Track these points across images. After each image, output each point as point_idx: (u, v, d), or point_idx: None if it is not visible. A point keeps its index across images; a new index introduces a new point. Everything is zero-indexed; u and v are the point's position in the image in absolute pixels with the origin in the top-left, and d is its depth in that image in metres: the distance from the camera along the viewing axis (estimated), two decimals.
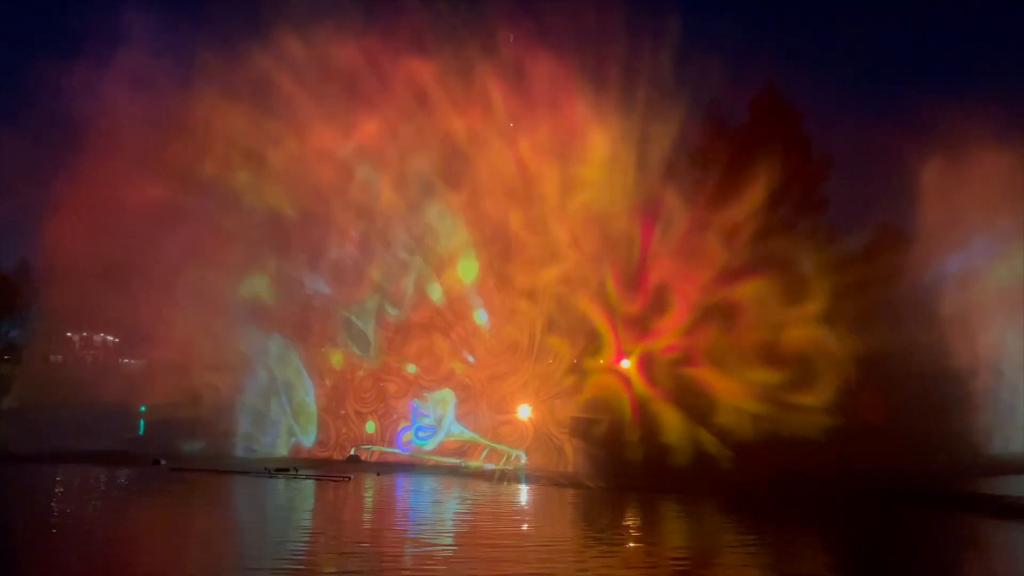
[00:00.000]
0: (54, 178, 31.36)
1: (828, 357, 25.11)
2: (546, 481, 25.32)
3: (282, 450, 30.83)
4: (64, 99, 30.40)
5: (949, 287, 28.75)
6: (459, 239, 29.90)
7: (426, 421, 29.95)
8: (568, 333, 28.86)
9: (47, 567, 13.90)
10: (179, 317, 29.82)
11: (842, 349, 24.93)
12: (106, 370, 41.20)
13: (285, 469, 26.00)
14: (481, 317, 29.85)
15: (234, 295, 29.83)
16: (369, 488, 23.94)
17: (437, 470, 27.99)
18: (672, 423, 25.30)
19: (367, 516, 20.71)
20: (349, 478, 24.98)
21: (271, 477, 25.07)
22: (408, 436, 30.16)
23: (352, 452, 30.35)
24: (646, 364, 27.36)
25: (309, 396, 31.17)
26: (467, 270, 29.89)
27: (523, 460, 28.61)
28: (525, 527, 19.32)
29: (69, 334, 42.83)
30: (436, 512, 21.38)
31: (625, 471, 24.08)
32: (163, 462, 27.06)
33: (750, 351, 25.82)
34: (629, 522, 19.96)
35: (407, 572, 13.87)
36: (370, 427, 30.56)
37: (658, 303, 27.66)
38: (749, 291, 26.45)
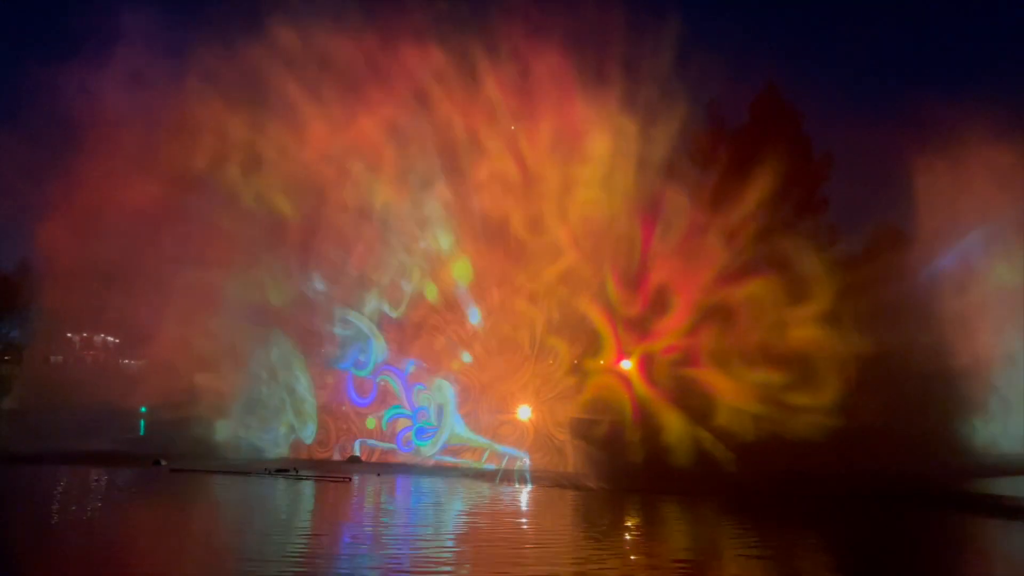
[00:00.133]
0: (54, 178, 31.42)
1: (829, 358, 25.08)
2: (547, 482, 25.32)
3: (282, 450, 30.84)
4: (64, 99, 30.44)
5: (949, 287, 28.71)
6: (459, 239, 29.90)
7: (427, 422, 29.93)
8: (568, 333, 28.86)
9: (47, 568, 13.90)
10: (179, 317, 29.84)
11: (843, 350, 24.91)
12: (106, 371, 41.23)
13: (285, 470, 26.00)
14: (481, 317, 29.83)
15: (234, 295, 29.81)
16: (370, 489, 23.93)
17: (438, 471, 27.99)
18: (673, 424, 25.28)
19: (367, 517, 20.70)
20: (349, 479, 24.98)
21: (271, 477, 25.07)
22: (408, 436, 30.16)
23: (353, 452, 30.34)
24: (647, 365, 27.34)
25: (309, 396, 31.17)
26: (467, 270, 29.88)
27: (527, 462, 28.57)
28: (525, 528, 19.30)
29: (69, 335, 42.82)
30: (436, 513, 21.37)
31: (626, 472, 24.06)
32: (163, 463, 27.07)
33: (751, 352, 25.80)
34: (630, 524, 19.97)
35: (407, 574, 13.86)
36: (370, 424, 30.55)
37: (658, 304, 27.65)
38: (750, 292, 26.44)
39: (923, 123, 29.15)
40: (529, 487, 24.93)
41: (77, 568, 13.81)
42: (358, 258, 30.32)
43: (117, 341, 44.37)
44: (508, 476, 26.78)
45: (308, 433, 31.14)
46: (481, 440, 29.41)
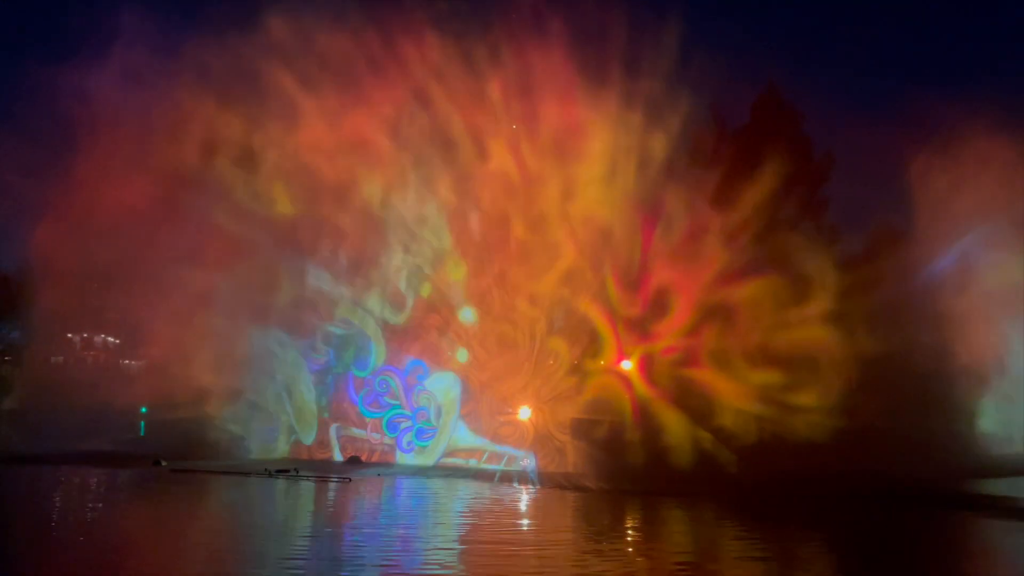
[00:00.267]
0: (54, 178, 31.38)
1: (829, 358, 25.06)
2: (547, 483, 25.31)
3: (282, 450, 30.84)
4: (64, 99, 30.41)
5: (950, 287, 28.68)
6: (459, 239, 29.90)
7: (426, 423, 29.92)
8: (569, 334, 28.85)
9: (48, 568, 13.90)
10: (179, 318, 29.83)
11: (843, 350, 24.90)
12: (107, 371, 41.22)
13: (286, 470, 26.00)
14: (481, 318, 29.83)
15: (234, 295, 29.81)
16: (370, 489, 23.93)
17: (438, 471, 27.98)
18: (673, 425, 25.28)
19: (366, 518, 20.69)
20: (350, 479, 24.98)
21: (271, 478, 25.07)
22: (409, 437, 30.16)
23: (353, 453, 30.34)
24: (647, 365, 27.33)
25: (309, 396, 31.17)
26: (467, 271, 29.87)
27: (530, 463, 28.53)
28: (525, 529, 19.29)
29: (70, 335, 42.81)
30: (436, 514, 21.37)
31: (626, 473, 24.05)
32: (164, 463, 27.08)
33: (751, 352, 25.79)
34: (630, 525, 19.95)
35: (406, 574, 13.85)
36: (371, 427, 30.54)
37: (659, 304, 27.64)
38: (750, 292, 26.41)
39: (923, 123, 29.15)
40: (529, 487, 24.90)
41: (78, 568, 13.80)
42: (358, 258, 30.32)
43: (117, 341, 44.35)
44: (508, 476, 26.76)
45: (308, 435, 31.13)
46: (481, 442, 29.40)
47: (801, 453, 22.65)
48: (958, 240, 29.60)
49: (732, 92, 30.17)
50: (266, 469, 26.16)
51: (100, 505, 21.20)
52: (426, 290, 30.14)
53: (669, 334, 27.32)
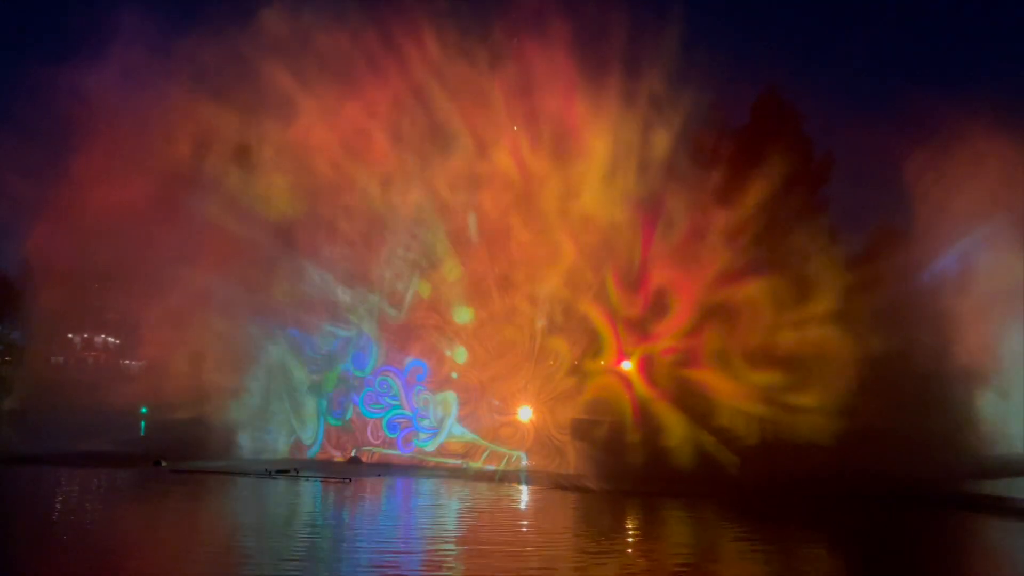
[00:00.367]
0: (55, 179, 31.39)
1: (830, 359, 25.05)
2: (547, 483, 25.30)
3: (282, 451, 30.83)
4: (64, 99, 30.43)
5: (950, 288, 28.68)
6: (459, 239, 29.90)
7: (426, 423, 29.93)
8: (569, 334, 28.84)
9: (49, 568, 13.91)
10: (179, 318, 29.83)
11: (844, 351, 24.89)
12: (107, 371, 41.24)
13: (286, 470, 26.00)
14: (481, 318, 29.82)
15: (235, 296, 29.82)
16: (370, 490, 23.92)
17: (438, 471, 27.98)
18: (674, 425, 25.26)
19: (366, 518, 20.69)
20: (350, 479, 24.98)
21: (272, 478, 25.07)
22: (409, 437, 30.15)
23: (353, 453, 30.35)
24: (647, 366, 27.32)
25: (309, 396, 31.15)
26: (467, 271, 29.87)
27: (524, 462, 28.58)
28: (525, 530, 19.28)
29: (70, 335, 42.87)
30: (436, 515, 21.36)
31: (627, 473, 24.04)
32: (164, 463, 27.08)
33: (751, 353, 25.78)
34: (630, 526, 19.94)
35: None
36: (371, 428, 30.54)
37: (659, 304, 27.64)
38: (750, 292, 26.41)
39: (923, 123, 29.16)
40: (529, 488, 24.88)
41: (78, 568, 13.81)
42: (358, 258, 30.31)
43: (117, 342, 44.40)
44: (508, 477, 26.75)
45: (308, 434, 31.13)
46: (481, 441, 29.39)
47: (802, 454, 22.63)
48: (958, 240, 29.60)
49: (732, 92, 30.19)
50: (266, 469, 26.16)
51: (100, 506, 21.21)
52: (426, 290, 30.12)
53: (669, 334, 27.31)
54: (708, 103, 28.95)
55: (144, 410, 32.30)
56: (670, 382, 26.42)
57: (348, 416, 30.86)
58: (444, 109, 29.10)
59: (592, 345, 28.65)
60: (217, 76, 29.23)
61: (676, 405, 25.67)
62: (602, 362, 28.44)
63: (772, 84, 31.35)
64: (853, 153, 31.56)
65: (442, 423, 29.76)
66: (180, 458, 27.70)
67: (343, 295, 30.49)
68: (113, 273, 32.58)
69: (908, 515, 20.75)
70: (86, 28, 32.06)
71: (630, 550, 16.82)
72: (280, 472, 25.75)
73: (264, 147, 29.72)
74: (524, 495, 23.83)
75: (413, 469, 28.44)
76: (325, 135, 29.42)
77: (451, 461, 29.27)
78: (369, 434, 30.63)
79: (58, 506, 20.44)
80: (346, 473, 26.26)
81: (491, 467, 28.61)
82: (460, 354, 29.97)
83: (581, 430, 27.12)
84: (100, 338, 46.87)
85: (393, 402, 30.35)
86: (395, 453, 30.08)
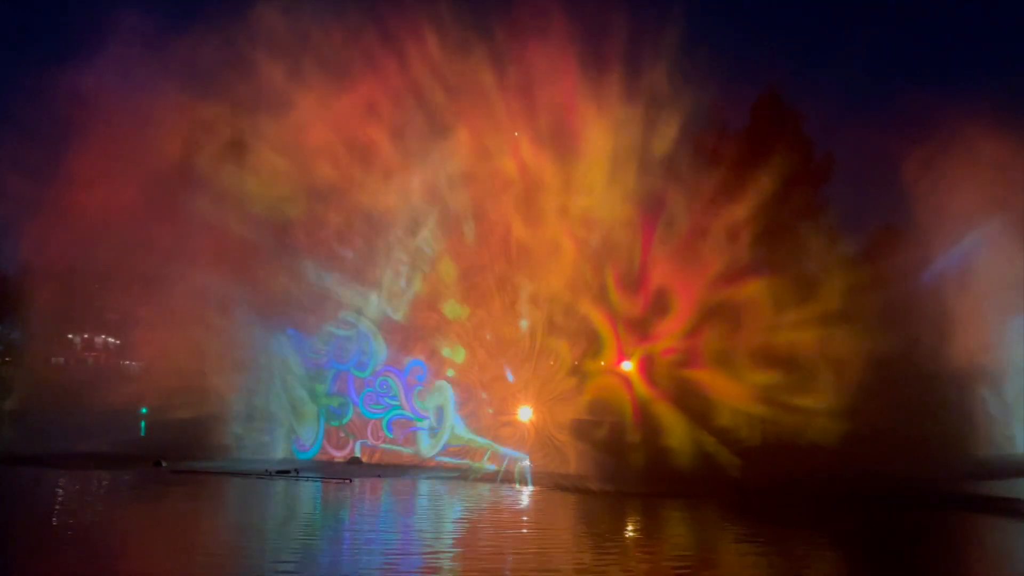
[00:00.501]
0: (55, 178, 31.37)
1: (831, 359, 25.07)
2: (548, 484, 25.28)
3: (282, 451, 30.82)
4: (63, 99, 30.42)
5: (951, 288, 28.70)
6: (459, 239, 29.89)
7: (426, 423, 29.91)
8: (569, 335, 28.82)
9: (49, 568, 13.90)
10: (179, 318, 29.83)
11: (845, 351, 24.90)
12: (107, 372, 41.22)
13: (286, 471, 25.99)
14: (481, 318, 29.80)
15: (234, 296, 29.81)
16: (370, 490, 23.91)
17: (438, 472, 27.96)
18: (674, 426, 25.27)
19: (366, 519, 20.69)
20: (350, 480, 24.97)
21: (272, 479, 25.06)
22: (410, 438, 30.13)
23: (354, 454, 30.33)
24: (647, 366, 27.32)
25: (310, 396, 31.14)
26: (467, 271, 29.86)
27: (526, 463, 28.54)
28: (526, 532, 19.27)
29: (70, 336, 42.87)
30: (436, 515, 21.35)
31: (628, 474, 24.03)
32: (164, 464, 27.07)
33: (752, 353, 25.78)
34: (632, 527, 19.92)
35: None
36: (371, 428, 30.53)
37: (659, 305, 27.64)
38: (751, 293, 26.43)
39: (924, 124, 29.19)
40: (530, 489, 24.88)
41: (78, 569, 13.81)
42: (358, 258, 30.30)
43: (118, 342, 44.40)
44: (509, 478, 26.74)
45: (308, 434, 31.12)
46: (482, 441, 29.37)
47: (803, 454, 22.63)
48: (959, 240, 29.61)
49: (733, 93, 30.23)
50: (267, 470, 26.15)
51: (101, 506, 21.21)
52: (425, 290, 30.09)
53: (669, 335, 27.32)
54: (708, 103, 28.98)
55: (144, 410, 32.28)
56: (670, 383, 26.43)
57: (348, 417, 30.86)
58: (444, 109, 29.10)
59: (592, 345, 28.63)
60: (218, 76, 29.22)
61: (677, 406, 25.68)
62: (602, 362, 28.43)
63: (772, 84, 31.45)
64: (853, 153, 31.61)
65: (443, 422, 29.71)
66: (180, 458, 27.68)
67: (343, 295, 30.46)
68: (113, 273, 32.53)
69: (909, 515, 20.74)
70: (84, 28, 32.05)
71: (631, 551, 16.80)
72: (280, 472, 25.74)
73: (266, 147, 29.68)
74: (524, 496, 23.81)
75: (413, 470, 28.41)
76: (328, 134, 29.38)
77: (452, 461, 29.25)
78: (369, 435, 30.62)
79: (58, 507, 20.44)
80: (346, 473, 26.25)
81: (492, 466, 28.56)
82: (459, 354, 29.95)
83: (581, 431, 27.11)
84: (100, 338, 46.87)
85: (393, 403, 30.33)
86: (395, 450, 30.07)
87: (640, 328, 27.81)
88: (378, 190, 29.67)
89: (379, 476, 26.44)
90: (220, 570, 14.15)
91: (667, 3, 27.81)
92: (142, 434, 31.99)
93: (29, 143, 30.78)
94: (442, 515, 21.30)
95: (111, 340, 46.04)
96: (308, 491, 23.62)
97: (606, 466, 24.82)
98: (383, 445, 30.31)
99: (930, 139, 29.11)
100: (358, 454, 30.32)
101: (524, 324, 28.96)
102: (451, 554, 15.93)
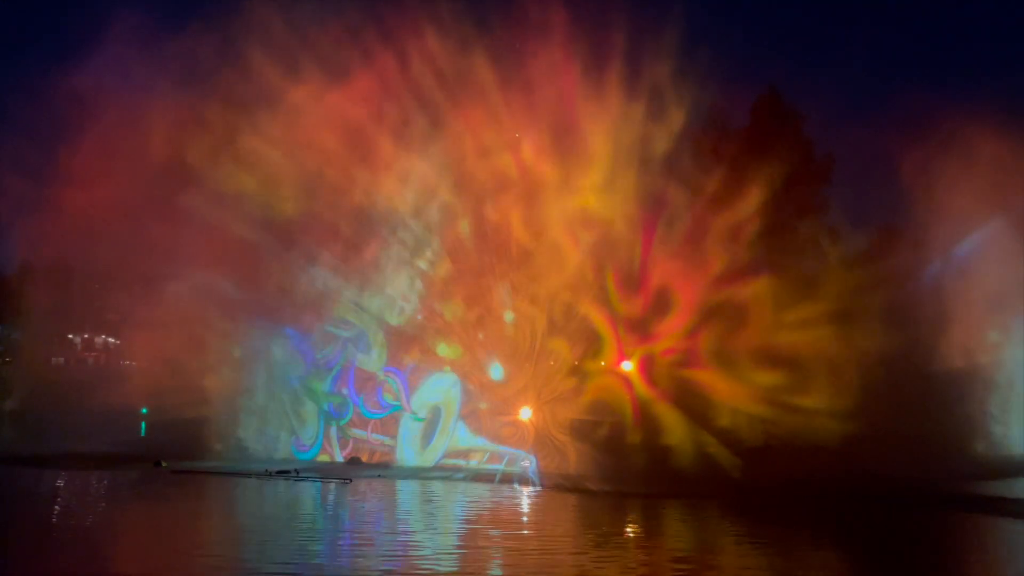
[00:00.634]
0: (55, 178, 31.38)
1: (832, 360, 25.07)
2: (548, 484, 25.26)
3: (282, 451, 30.80)
4: (63, 99, 30.42)
5: (952, 288, 28.71)
6: (459, 240, 29.87)
7: (419, 419, 29.86)
8: (569, 335, 28.81)
9: (49, 568, 13.90)
10: (179, 318, 29.82)
11: (845, 351, 24.90)
12: (107, 372, 41.22)
13: (286, 471, 25.97)
14: (481, 319, 29.79)
15: (235, 296, 29.80)
16: (370, 491, 23.90)
17: (438, 472, 27.94)
18: (675, 426, 25.26)
19: (366, 520, 20.67)
20: (350, 480, 24.96)
21: (272, 479, 25.05)
22: (410, 438, 30.09)
23: (354, 454, 30.32)
24: (648, 366, 27.31)
25: (310, 397, 31.12)
26: (467, 272, 29.84)
27: (530, 464, 28.48)
28: (527, 532, 19.26)
29: (70, 336, 42.87)
30: (436, 515, 21.33)
31: (628, 475, 24.02)
32: (164, 464, 27.07)
33: (752, 353, 25.78)
34: (632, 528, 19.91)
35: None
36: (372, 428, 30.51)
37: (660, 305, 27.63)
38: (751, 293, 26.43)
39: (924, 124, 29.18)
40: (530, 489, 24.87)
41: (78, 569, 13.81)
42: (359, 258, 30.29)
43: (118, 342, 44.40)
44: (509, 477, 26.72)
45: (308, 434, 31.10)
46: (482, 443, 29.35)
47: (803, 455, 22.63)
48: (959, 240, 29.62)
49: (733, 92, 30.24)
50: (266, 470, 26.13)
51: (101, 506, 21.20)
52: (426, 291, 30.07)
53: (670, 335, 27.31)
54: (708, 103, 29.02)
55: (144, 410, 32.28)
56: (671, 383, 26.43)
57: (348, 417, 30.84)
58: (445, 108, 29.09)
59: (592, 345, 28.62)
60: (216, 75, 29.22)
61: (677, 406, 25.68)
62: (602, 362, 28.42)
63: (772, 84, 31.45)
64: (853, 153, 31.61)
65: (443, 422, 29.69)
66: (180, 458, 27.67)
67: (344, 295, 30.44)
68: (113, 273, 32.56)
69: (909, 515, 20.73)
70: (85, 28, 32.08)
71: (631, 552, 16.79)
72: (280, 473, 25.73)
73: (267, 147, 29.66)
74: (524, 496, 23.79)
75: (413, 470, 28.39)
76: (328, 134, 29.37)
77: (452, 461, 29.23)
78: (369, 435, 30.60)
79: (58, 507, 20.43)
80: (346, 474, 26.24)
81: (492, 466, 28.53)
82: (459, 354, 29.92)
83: (582, 431, 27.10)
84: (100, 338, 46.85)
85: (393, 403, 30.32)
86: (393, 446, 30.05)
87: (640, 328, 27.80)
88: (378, 189, 29.66)
89: (379, 476, 26.42)
90: (220, 570, 14.14)
91: (667, 3, 27.85)
92: (142, 434, 32.00)
93: (28, 143, 30.83)
94: (442, 515, 21.28)
95: (111, 340, 46.04)
96: (308, 491, 23.60)
97: (606, 466, 24.82)
98: (377, 436, 30.27)
99: (930, 139, 29.13)
100: (357, 454, 30.29)
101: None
102: (451, 555, 15.92)
